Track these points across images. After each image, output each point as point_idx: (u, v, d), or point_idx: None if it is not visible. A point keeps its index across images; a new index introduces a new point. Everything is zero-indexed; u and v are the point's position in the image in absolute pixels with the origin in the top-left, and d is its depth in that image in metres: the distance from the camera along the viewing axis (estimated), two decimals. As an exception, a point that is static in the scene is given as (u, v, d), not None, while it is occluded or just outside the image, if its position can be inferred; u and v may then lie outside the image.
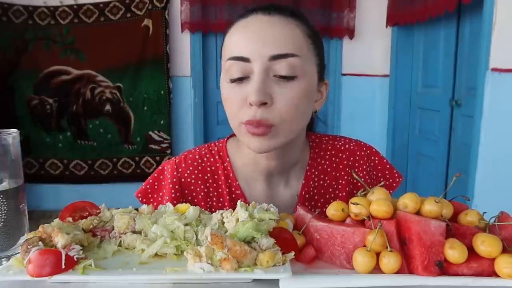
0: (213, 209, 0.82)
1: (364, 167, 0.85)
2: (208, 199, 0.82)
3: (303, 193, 0.82)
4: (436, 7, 2.60)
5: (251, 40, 0.68)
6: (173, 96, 3.41)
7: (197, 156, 0.83)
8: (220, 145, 0.84)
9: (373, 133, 3.53)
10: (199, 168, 0.82)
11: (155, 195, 0.84)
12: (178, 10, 3.29)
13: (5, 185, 0.60)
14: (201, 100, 3.48)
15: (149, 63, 3.29)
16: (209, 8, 3.27)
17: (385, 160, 0.88)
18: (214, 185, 0.82)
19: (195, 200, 0.82)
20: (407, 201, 0.54)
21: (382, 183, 0.67)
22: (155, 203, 0.83)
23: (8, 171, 0.61)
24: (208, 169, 0.83)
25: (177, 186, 0.81)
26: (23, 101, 3.34)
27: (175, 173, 0.82)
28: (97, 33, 3.27)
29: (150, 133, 3.43)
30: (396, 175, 0.87)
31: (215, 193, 0.82)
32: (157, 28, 3.24)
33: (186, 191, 0.82)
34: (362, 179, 0.83)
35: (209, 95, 3.55)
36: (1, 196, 0.59)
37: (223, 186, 0.82)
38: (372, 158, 0.87)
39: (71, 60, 3.30)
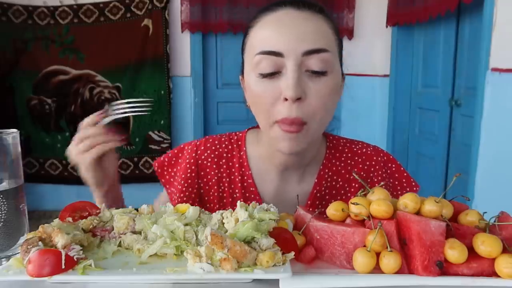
0: (224, 194, 0.84)
1: (380, 172, 0.85)
2: (221, 184, 0.84)
3: (315, 191, 0.83)
4: (436, 6, 2.59)
5: (284, 35, 0.68)
6: (173, 96, 3.41)
7: (216, 142, 0.86)
8: (240, 135, 0.87)
9: (373, 133, 3.53)
10: (216, 153, 0.85)
11: (170, 169, 0.88)
12: (178, 10, 3.29)
13: (5, 185, 0.60)
14: (201, 100, 3.48)
15: (149, 63, 3.29)
16: (209, 8, 3.27)
17: (402, 168, 0.87)
18: (228, 171, 0.84)
19: (209, 183, 0.84)
20: (407, 201, 0.54)
21: (382, 183, 0.67)
22: (167, 176, 0.88)
23: (8, 171, 0.61)
24: (224, 155, 0.85)
25: (193, 167, 0.85)
26: (23, 101, 3.34)
27: (193, 154, 0.85)
28: (96, 33, 3.27)
29: (150, 133, 3.42)
30: (413, 184, 0.86)
31: (228, 179, 0.84)
32: (157, 28, 3.24)
33: (202, 173, 0.85)
34: (377, 185, 0.82)
35: (209, 95, 3.55)
36: (1, 196, 0.59)
37: (236, 174, 0.84)
38: (389, 165, 0.86)
39: (70, 60, 3.30)
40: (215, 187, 0.84)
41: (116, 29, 3.26)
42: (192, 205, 0.82)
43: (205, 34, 3.39)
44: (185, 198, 0.84)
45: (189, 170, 0.84)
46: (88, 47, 3.29)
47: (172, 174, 0.88)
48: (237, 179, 0.83)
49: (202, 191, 0.85)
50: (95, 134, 0.71)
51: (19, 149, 0.63)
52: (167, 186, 0.89)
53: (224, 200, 0.84)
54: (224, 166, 0.84)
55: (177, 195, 0.85)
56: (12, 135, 0.61)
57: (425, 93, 3.16)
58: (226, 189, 0.84)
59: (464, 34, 2.68)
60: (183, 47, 3.37)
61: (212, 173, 0.84)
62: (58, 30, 3.27)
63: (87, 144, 0.71)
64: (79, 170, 0.74)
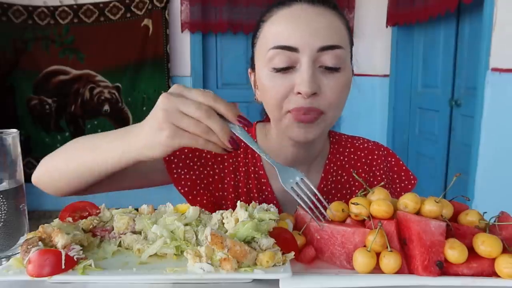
0: (240, 184, 0.84)
1: (382, 166, 0.88)
2: (237, 173, 0.84)
3: (322, 185, 0.85)
4: (436, 7, 2.59)
5: (299, 30, 0.68)
6: (173, 96, 3.40)
7: None
8: (251, 127, 0.87)
9: (373, 133, 3.53)
10: None
11: (181, 164, 0.82)
12: (178, 10, 3.29)
13: (5, 185, 0.60)
14: (201, 100, 3.47)
15: (149, 63, 3.28)
16: (209, 8, 3.27)
17: (401, 162, 0.90)
18: (244, 160, 0.85)
19: (225, 170, 0.84)
20: (407, 201, 0.54)
21: (383, 183, 0.67)
22: (189, 154, 0.83)
23: (8, 171, 0.61)
24: (243, 144, 0.84)
25: (213, 152, 0.83)
26: (23, 101, 3.34)
27: None
28: (96, 33, 3.27)
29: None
30: (412, 177, 0.89)
31: (244, 169, 0.84)
32: (157, 28, 3.24)
33: (219, 158, 0.84)
34: (379, 178, 0.86)
35: (209, 95, 3.54)
36: (1, 196, 0.59)
37: (249, 164, 0.84)
38: (389, 159, 0.90)
39: (70, 60, 3.30)
40: (232, 175, 0.84)
41: (116, 29, 3.26)
42: (200, 185, 0.83)
43: (205, 34, 3.39)
44: (193, 177, 0.81)
45: (209, 156, 0.83)
46: (88, 47, 3.29)
47: (189, 155, 0.82)
48: (250, 170, 0.84)
49: (216, 177, 0.84)
50: (221, 132, 0.54)
51: (19, 149, 0.63)
52: (177, 181, 0.83)
53: (239, 190, 0.84)
54: (242, 155, 0.84)
55: (190, 173, 0.81)
56: (12, 135, 0.61)
57: (425, 93, 3.16)
58: (241, 178, 0.84)
59: (464, 34, 2.68)
60: (183, 47, 3.37)
61: (230, 160, 0.84)
62: (58, 30, 3.27)
63: (200, 132, 0.54)
64: (155, 126, 0.57)
